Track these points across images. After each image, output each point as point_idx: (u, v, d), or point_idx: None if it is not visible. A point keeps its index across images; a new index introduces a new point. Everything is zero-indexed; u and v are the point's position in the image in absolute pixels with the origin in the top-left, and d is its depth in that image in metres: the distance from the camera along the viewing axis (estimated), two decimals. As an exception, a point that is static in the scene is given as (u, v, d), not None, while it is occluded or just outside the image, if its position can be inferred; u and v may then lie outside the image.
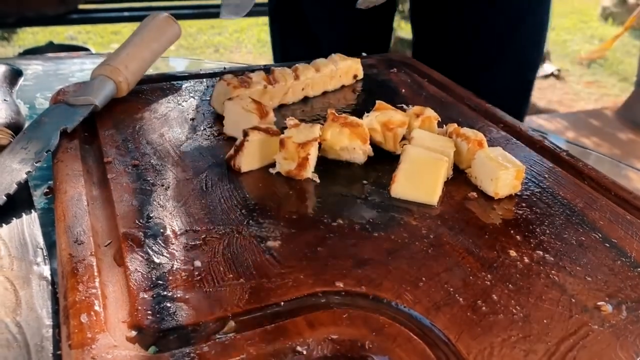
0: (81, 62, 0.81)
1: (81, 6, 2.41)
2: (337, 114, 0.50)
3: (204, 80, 0.65)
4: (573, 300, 0.36)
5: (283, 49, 0.98)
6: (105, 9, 2.50)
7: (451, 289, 0.36)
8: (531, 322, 0.34)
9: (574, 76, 3.42)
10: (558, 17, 4.49)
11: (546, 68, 3.44)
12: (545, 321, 0.34)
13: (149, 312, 0.32)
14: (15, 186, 0.44)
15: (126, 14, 2.47)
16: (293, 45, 0.96)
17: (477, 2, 0.83)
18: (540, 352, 0.32)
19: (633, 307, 0.36)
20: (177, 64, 1.01)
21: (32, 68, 0.74)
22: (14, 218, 0.43)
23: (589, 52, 3.72)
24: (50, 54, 2.41)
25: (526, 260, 0.39)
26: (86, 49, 2.74)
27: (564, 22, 4.38)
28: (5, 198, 0.42)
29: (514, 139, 0.55)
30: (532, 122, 2.66)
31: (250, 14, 0.68)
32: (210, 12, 2.60)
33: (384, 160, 0.50)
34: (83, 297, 0.33)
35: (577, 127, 2.63)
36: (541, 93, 3.19)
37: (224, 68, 0.69)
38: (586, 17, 4.49)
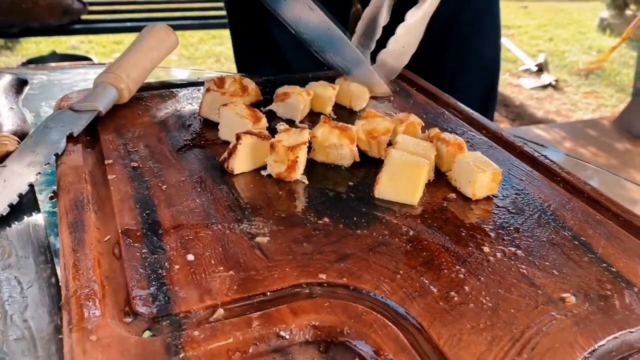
0: (85, 72, 0.85)
1: (84, 16, 2.45)
2: (328, 118, 0.53)
3: (201, 87, 0.68)
4: (539, 292, 0.38)
5: (250, 65, 0.99)
6: (108, 20, 2.55)
7: (426, 281, 0.38)
8: (499, 312, 0.36)
9: (571, 87, 3.46)
10: (556, 28, 4.54)
11: (544, 78, 3.48)
12: (512, 311, 0.36)
13: (144, 300, 0.35)
14: (27, 187, 0.46)
15: (128, 24, 2.51)
16: (258, 63, 0.97)
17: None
18: (506, 339, 0.34)
19: (596, 299, 0.38)
20: (178, 74, 1.04)
21: (38, 78, 0.77)
22: (21, 219, 0.45)
23: (586, 63, 3.76)
24: (54, 64, 2.45)
25: (498, 255, 0.42)
26: (88, 59, 2.78)
27: (562, 33, 4.43)
28: (17, 198, 0.45)
29: (495, 144, 0.58)
30: (529, 132, 2.69)
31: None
32: (211, 23, 2.63)
33: (369, 165, 0.53)
34: (84, 287, 0.35)
35: (575, 137, 2.66)
36: (539, 103, 3.22)
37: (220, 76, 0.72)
38: (584, 28, 4.54)
